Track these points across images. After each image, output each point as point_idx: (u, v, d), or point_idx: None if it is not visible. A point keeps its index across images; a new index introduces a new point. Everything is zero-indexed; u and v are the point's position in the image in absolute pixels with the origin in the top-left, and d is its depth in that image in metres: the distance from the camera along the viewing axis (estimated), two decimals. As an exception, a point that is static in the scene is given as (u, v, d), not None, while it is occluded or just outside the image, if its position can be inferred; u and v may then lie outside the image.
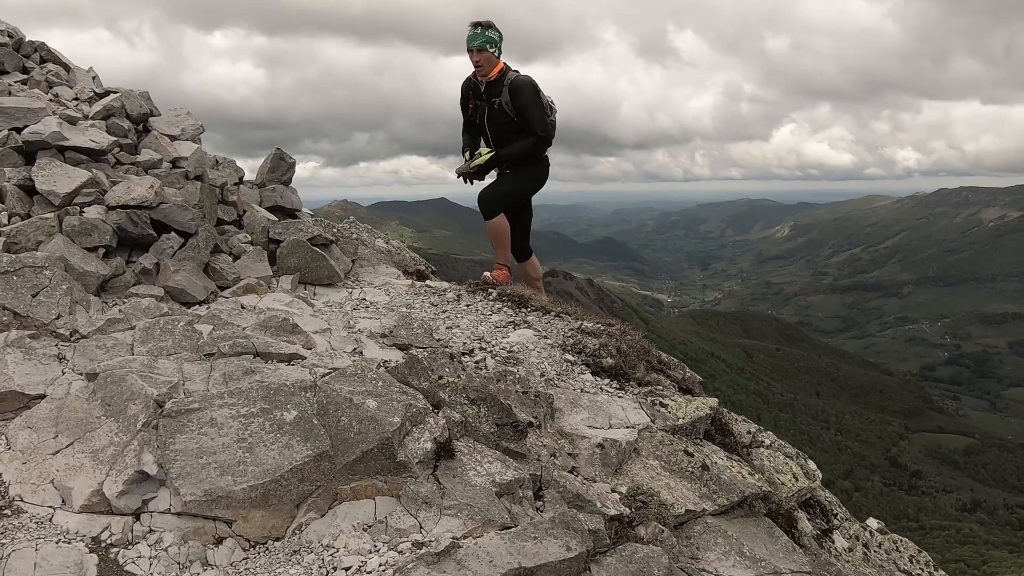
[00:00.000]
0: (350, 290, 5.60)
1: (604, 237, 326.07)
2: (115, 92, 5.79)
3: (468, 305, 5.33)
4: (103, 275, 4.42)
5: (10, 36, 5.72)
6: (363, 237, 6.88)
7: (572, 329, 4.92)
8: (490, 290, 5.58)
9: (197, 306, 4.64)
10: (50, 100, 5.43)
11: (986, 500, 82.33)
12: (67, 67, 6.10)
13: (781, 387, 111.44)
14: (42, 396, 3.23)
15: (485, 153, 5.82)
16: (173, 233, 4.89)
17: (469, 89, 5.91)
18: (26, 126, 4.91)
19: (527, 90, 5.62)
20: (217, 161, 6.09)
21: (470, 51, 5.57)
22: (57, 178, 4.67)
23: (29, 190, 4.70)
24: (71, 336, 3.82)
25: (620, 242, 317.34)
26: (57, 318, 3.87)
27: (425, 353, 3.67)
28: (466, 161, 5.89)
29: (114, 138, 5.19)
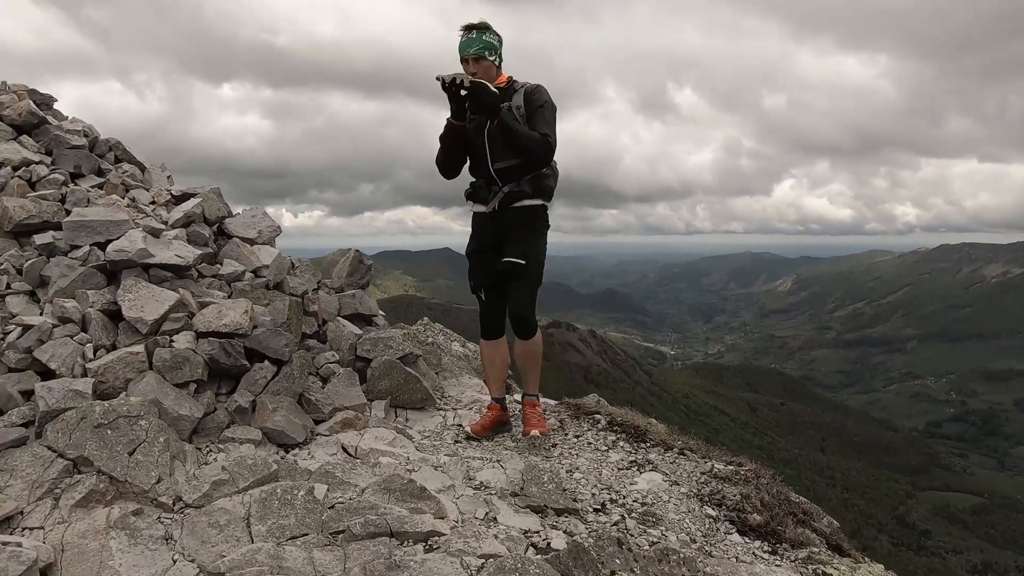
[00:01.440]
0: (443, 414, 5.14)
1: (607, 289, 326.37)
2: (193, 195, 5.41)
3: (577, 436, 4.86)
4: (197, 418, 3.97)
5: (86, 135, 5.37)
6: (439, 341, 6.45)
7: (703, 473, 4.44)
8: (596, 416, 5.11)
9: (297, 449, 4.17)
10: (128, 206, 5.05)
11: (997, 562, 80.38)
12: (142, 167, 5.73)
13: (786, 442, 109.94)
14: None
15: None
16: (266, 361, 4.45)
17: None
18: (109, 240, 4.52)
19: (547, 93, 4.47)
20: (293, 265, 5.69)
21: (464, 61, 4.39)
22: (144, 302, 4.25)
23: (112, 314, 4.28)
24: (174, 505, 3.35)
25: (623, 294, 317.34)
26: (158, 482, 3.40)
27: (590, 541, 3.19)
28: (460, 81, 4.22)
29: (198, 251, 4.78)
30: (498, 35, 4.45)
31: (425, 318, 7.01)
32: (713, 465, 4.55)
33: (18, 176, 4.76)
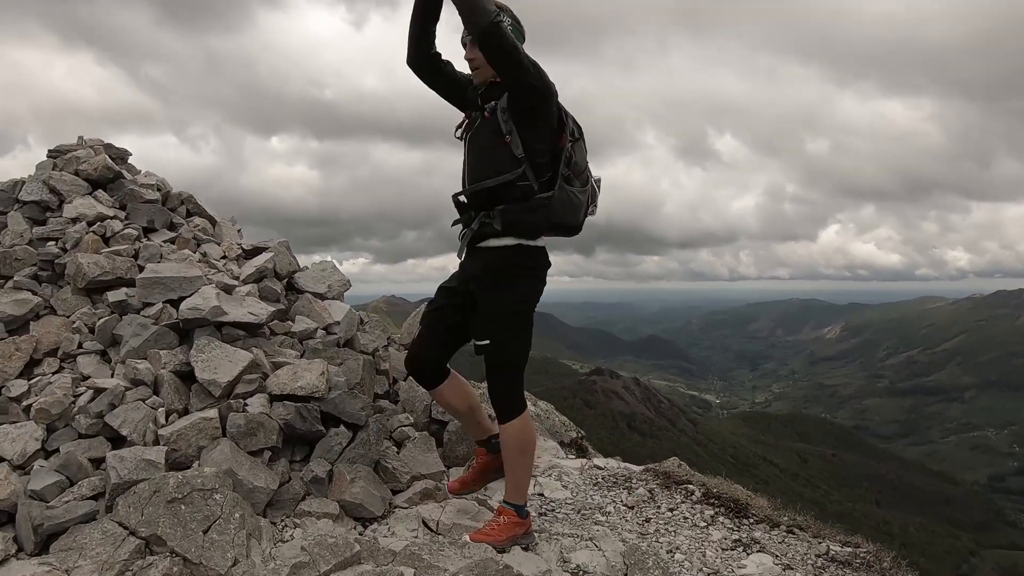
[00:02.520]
0: (523, 481, 4.80)
1: (650, 335, 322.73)
2: (264, 249, 5.26)
3: (671, 510, 4.48)
4: (272, 490, 3.71)
5: (159, 189, 5.28)
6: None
7: (818, 556, 4.02)
8: (690, 487, 4.73)
9: (375, 523, 3.88)
10: (199, 260, 4.90)
11: (1068, 626, 75.79)
12: (213, 220, 5.62)
13: (839, 495, 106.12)
14: None
15: None
16: (342, 426, 4.20)
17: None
18: (182, 297, 4.35)
19: (546, 92, 3.38)
20: (362, 320, 5.47)
21: (464, 45, 3.49)
22: (218, 363, 4.04)
23: (185, 375, 4.08)
24: (253, 591, 3.07)
25: (666, 340, 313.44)
26: (234, 564, 3.13)
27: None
28: None
29: (271, 308, 4.59)
30: (513, 20, 3.42)
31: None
32: (828, 546, 4.12)
33: (92, 232, 4.65)
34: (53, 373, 4.09)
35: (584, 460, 5.45)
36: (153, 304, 4.32)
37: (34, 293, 4.38)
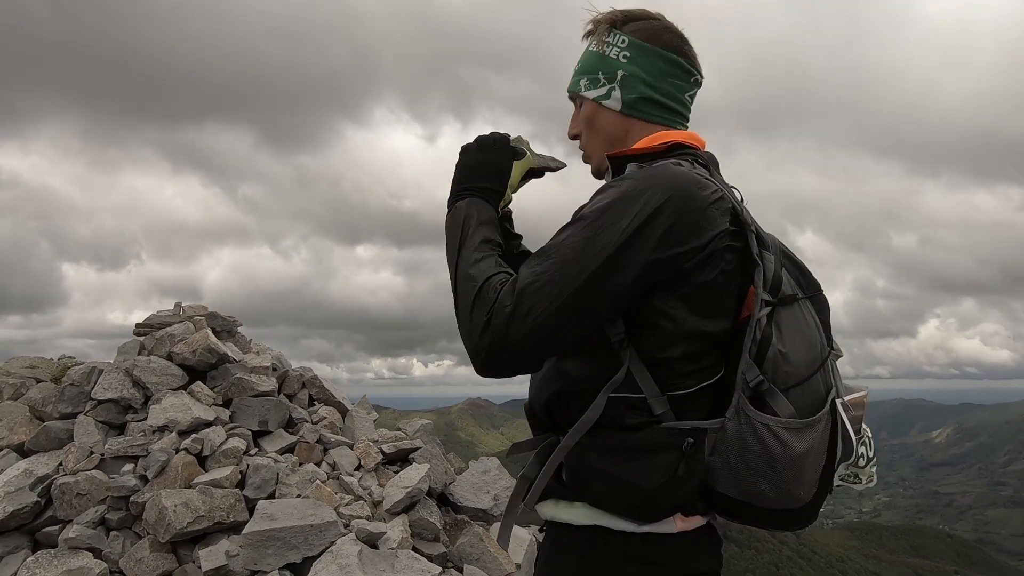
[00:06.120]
0: None
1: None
2: (411, 452, 3.79)
3: None
4: None
5: (274, 370, 3.93)
6: None
7: None
8: None
9: None
10: (328, 477, 3.46)
11: None
12: (342, 408, 4.21)
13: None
14: None
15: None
16: None
17: None
18: (307, 558, 2.87)
19: (630, 191, 1.35)
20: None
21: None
22: None
23: None
24: None
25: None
26: None
27: None
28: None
29: (435, 568, 3.05)
30: (628, 39, 1.59)
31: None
32: None
33: (185, 449, 3.29)
34: None
35: None
36: (267, 572, 2.85)
37: (97, 554, 2.98)
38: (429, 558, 3.29)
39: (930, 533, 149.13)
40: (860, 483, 1.51)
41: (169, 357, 3.79)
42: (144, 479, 3.28)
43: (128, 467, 3.32)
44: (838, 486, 1.43)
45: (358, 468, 3.74)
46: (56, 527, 3.21)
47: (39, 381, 4.26)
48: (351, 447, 3.86)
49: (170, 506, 3.02)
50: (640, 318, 1.36)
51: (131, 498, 3.22)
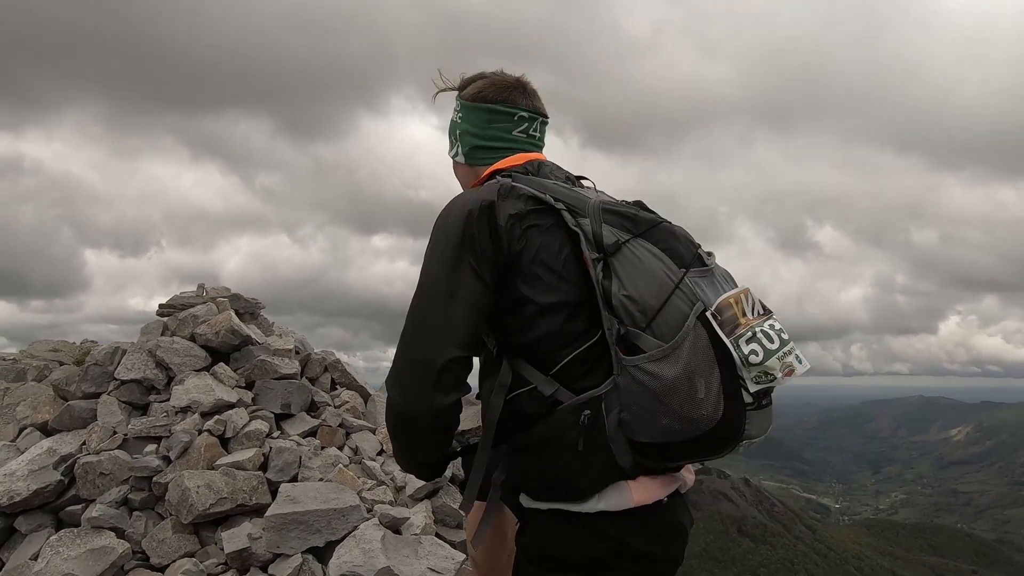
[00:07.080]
0: None
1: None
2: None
3: None
4: None
5: (296, 353, 3.90)
6: None
7: None
8: None
9: None
10: (350, 462, 3.43)
11: None
12: (365, 393, 4.18)
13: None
14: None
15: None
16: None
17: None
18: (330, 543, 2.84)
19: (441, 225, 1.61)
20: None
21: None
22: None
23: None
24: None
25: (777, 439, 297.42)
26: None
27: None
28: None
29: (458, 555, 3.01)
30: (460, 103, 1.88)
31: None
32: None
33: (208, 430, 3.27)
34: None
35: None
36: (289, 556, 2.82)
37: (120, 534, 2.97)
38: (452, 545, 3.25)
39: (948, 532, 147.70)
40: (776, 377, 1.49)
41: (192, 338, 3.77)
42: (167, 460, 3.26)
43: (151, 447, 3.31)
44: (758, 390, 1.47)
45: (380, 453, 3.70)
46: (79, 506, 3.20)
47: (62, 364, 4.27)
48: (373, 432, 3.82)
49: (193, 487, 3.00)
50: (497, 319, 1.56)
51: (154, 479, 3.20)
